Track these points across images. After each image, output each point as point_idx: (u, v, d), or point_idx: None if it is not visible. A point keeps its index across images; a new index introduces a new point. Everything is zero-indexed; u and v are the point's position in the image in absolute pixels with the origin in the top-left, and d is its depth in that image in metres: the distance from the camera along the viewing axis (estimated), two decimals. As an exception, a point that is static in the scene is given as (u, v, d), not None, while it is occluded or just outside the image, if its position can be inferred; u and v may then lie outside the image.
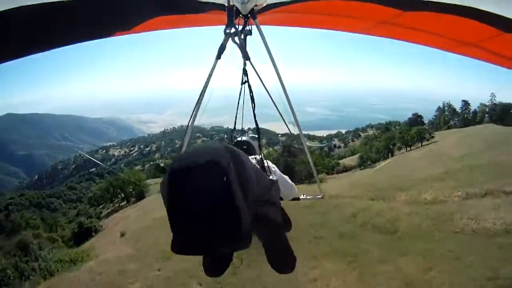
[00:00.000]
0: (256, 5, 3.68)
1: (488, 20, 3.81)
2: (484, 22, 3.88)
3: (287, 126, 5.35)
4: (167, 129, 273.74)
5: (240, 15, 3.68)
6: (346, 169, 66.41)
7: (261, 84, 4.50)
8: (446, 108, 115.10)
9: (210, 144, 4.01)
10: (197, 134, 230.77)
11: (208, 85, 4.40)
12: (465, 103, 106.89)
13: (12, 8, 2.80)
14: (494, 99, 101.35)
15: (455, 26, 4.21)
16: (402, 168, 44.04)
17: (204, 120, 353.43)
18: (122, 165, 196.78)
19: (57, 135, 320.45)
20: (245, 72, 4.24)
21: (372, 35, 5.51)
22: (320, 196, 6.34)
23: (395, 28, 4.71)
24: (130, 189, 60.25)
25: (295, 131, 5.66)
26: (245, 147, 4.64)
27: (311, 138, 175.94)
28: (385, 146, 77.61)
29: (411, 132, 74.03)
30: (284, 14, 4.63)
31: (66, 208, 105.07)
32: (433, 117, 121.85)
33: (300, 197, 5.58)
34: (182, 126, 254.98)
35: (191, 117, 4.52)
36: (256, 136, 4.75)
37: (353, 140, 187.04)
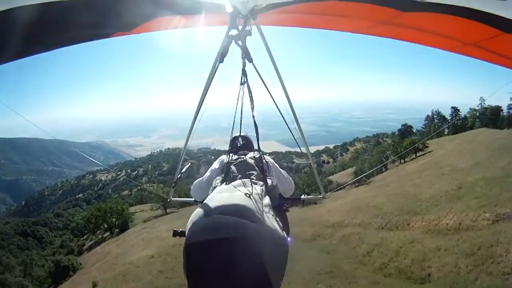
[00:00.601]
0: (256, 5, 3.57)
1: (488, 21, 3.62)
2: (484, 22, 3.69)
3: (290, 130, 4.97)
4: (154, 152, 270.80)
5: (240, 16, 3.53)
6: (340, 187, 61.18)
7: (259, 84, 4.31)
8: (435, 116, 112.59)
9: (223, 201, 2.44)
10: (184, 157, 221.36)
11: (208, 89, 4.55)
12: (455, 110, 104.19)
13: (12, 9, 2.76)
14: (484, 103, 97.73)
15: (455, 26, 4.03)
16: (404, 184, 39.63)
17: (190, 142, 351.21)
18: (110, 190, 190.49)
19: (44, 160, 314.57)
20: (244, 73, 3.92)
21: (372, 35, 5.38)
22: (321, 196, 6.32)
23: (395, 28, 4.59)
24: (113, 219, 55.73)
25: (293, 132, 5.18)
26: (244, 142, 4.55)
27: (299, 155, 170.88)
28: (377, 159, 72.39)
29: (404, 143, 70.84)
30: (284, 15, 4.58)
31: (52, 236, 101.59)
32: (423, 126, 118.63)
33: (301, 197, 5.49)
34: (169, 148, 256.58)
35: (192, 121, 5.08)
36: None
37: (341, 155, 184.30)
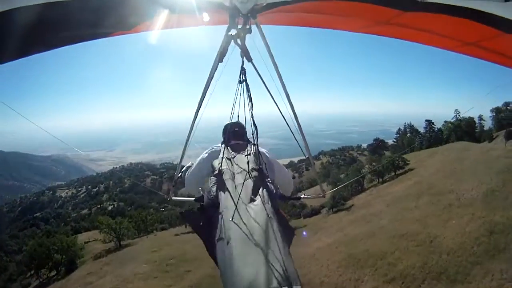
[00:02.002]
0: (256, 4, 3.62)
1: (488, 22, 3.71)
2: (485, 23, 3.79)
3: (290, 129, 4.92)
4: (116, 168, 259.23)
5: (240, 15, 3.63)
6: (315, 211, 53.73)
7: (258, 84, 4.57)
8: (407, 130, 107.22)
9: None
10: (146, 172, 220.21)
11: (208, 90, 4.51)
12: (429, 122, 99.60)
13: (12, 9, 2.87)
14: (459, 115, 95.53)
15: (456, 26, 4.17)
16: (402, 217, 32.15)
17: (153, 156, 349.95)
18: (70, 207, 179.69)
19: (5, 173, 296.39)
20: (243, 71, 4.30)
21: (373, 34, 5.59)
22: (321, 195, 6.26)
23: (396, 27, 4.70)
24: (59, 257, 46.67)
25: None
26: (237, 129, 4.82)
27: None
28: (353, 177, 62.50)
29: (382, 161, 64.00)
30: (284, 14, 4.62)
31: (6, 261, 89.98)
32: (394, 140, 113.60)
33: (301, 196, 5.81)
34: (131, 163, 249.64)
35: (191, 126, 5.06)
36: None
37: (307, 169, 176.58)
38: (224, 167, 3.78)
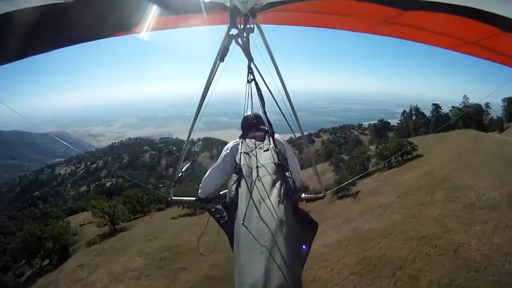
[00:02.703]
0: (256, 4, 3.71)
1: (488, 20, 3.69)
2: (485, 22, 3.78)
3: (290, 128, 4.94)
4: (115, 143, 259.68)
5: (240, 15, 3.71)
6: (317, 196, 49.73)
7: (262, 84, 4.48)
8: (413, 112, 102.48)
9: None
10: (145, 147, 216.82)
11: (209, 90, 4.59)
12: (436, 106, 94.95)
13: (14, 11, 2.86)
14: (467, 102, 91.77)
15: (456, 25, 4.14)
16: (417, 214, 29.25)
17: (152, 131, 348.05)
18: (69, 185, 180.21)
19: (3, 152, 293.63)
20: (250, 70, 4.33)
21: (373, 34, 5.64)
22: (321, 195, 6.73)
23: (396, 27, 4.73)
24: (51, 245, 44.75)
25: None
26: (255, 121, 4.95)
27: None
28: (360, 162, 60.38)
29: (390, 144, 59.33)
30: (283, 13, 4.72)
31: (5, 243, 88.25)
32: (398, 122, 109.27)
33: (301, 196, 5.91)
34: (130, 138, 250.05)
35: (191, 126, 5.12)
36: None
37: (307, 147, 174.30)
38: (242, 163, 3.77)
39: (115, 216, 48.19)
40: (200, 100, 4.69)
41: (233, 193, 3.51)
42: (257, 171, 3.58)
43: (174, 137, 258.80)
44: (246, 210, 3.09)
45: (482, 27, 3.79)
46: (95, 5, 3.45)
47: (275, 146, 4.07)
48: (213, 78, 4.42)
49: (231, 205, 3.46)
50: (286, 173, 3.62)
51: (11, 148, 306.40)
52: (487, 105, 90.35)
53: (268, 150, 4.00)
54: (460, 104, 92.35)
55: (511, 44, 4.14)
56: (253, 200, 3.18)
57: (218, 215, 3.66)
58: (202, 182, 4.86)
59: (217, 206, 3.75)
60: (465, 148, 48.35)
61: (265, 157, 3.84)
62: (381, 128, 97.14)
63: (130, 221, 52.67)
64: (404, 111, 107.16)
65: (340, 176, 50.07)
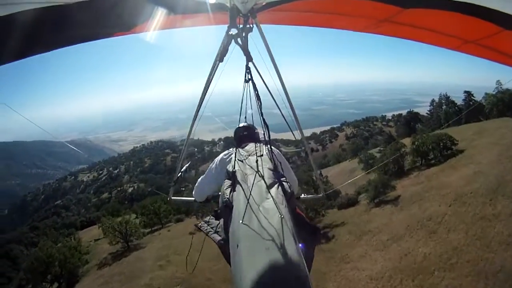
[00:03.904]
0: (256, 4, 3.72)
1: (489, 17, 3.70)
2: (485, 19, 3.78)
3: (290, 128, 5.14)
4: (137, 147, 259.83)
5: (240, 15, 3.70)
6: (351, 201, 43.97)
7: (260, 83, 4.45)
8: (443, 101, 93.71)
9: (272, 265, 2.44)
10: (166, 150, 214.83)
11: (208, 89, 4.66)
12: (468, 94, 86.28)
13: (15, 13, 2.89)
14: (500, 87, 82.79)
15: (457, 23, 4.19)
16: (473, 225, 24.29)
17: (173, 133, 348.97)
18: (92, 191, 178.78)
19: (28, 162, 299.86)
20: (248, 70, 4.22)
21: (373, 34, 5.52)
22: (320, 196, 6.35)
23: (396, 26, 4.71)
24: (58, 270, 41.50)
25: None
26: (246, 133, 4.90)
27: (286, 143, 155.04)
28: (395, 160, 50.68)
29: (427, 139, 50.33)
30: (283, 13, 4.71)
31: (26, 255, 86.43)
32: (427, 112, 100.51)
33: (301, 196, 5.75)
34: (151, 142, 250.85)
35: (191, 126, 5.30)
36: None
37: (330, 141, 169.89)
38: (236, 168, 3.70)
39: (127, 233, 44.81)
40: (200, 100, 4.71)
41: (227, 196, 3.31)
42: (254, 175, 3.48)
43: (195, 138, 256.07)
44: (246, 209, 2.92)
45: (482, 24, 3.72)
46: (95, 5, 3.32)
47: (271, 151, 3.98)
48: (212, 78, 4.39)
49: (225, 209, 3.28)
50: (282, 178, 3.49)
51: (35, 157, 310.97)
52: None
53: (263, 155, 3.91)
54: (494, 90, 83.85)
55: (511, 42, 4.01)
56: (253, 199, 3.04)
57: (207, 228, 3.66)
58: (194, 190, 4.82)
59: (206, 219, 3.81)
60: (503, 139, 43.16)
61: (260, 163, 3.67)
62: (410, 120, 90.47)
63: (146, 235, 49.42)
64: (433, 100, 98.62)
65: (375, 177, 43.76)
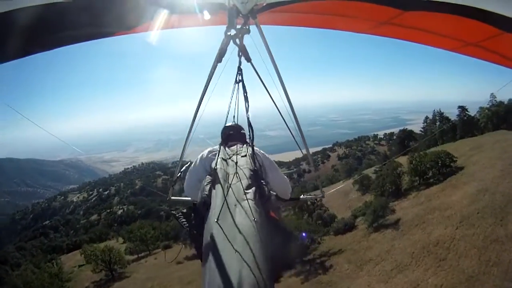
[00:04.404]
0: (256, 5, 3.67)
1: (489, 20, 3.67)
2: (485, 21, 3.75)
3: (291, 132, 5.14)
4: (128, 168, 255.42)
5: (240, 15, 3.66)
6: (348, 226, 41.01)
7: (255, 84, 4.75)
8: (437, 118, 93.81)
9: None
10: (157, 172, 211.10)
11: (207, 91, 4.54)
12: (462, 109, 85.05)
13: (15, 9, 2.87)
14: (495, 100, 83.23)
15: (457, 26, 4.11)
16: (484, 249, 22.29)
17: (165, 154, 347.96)
18: (81, 211, 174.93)
19: (18, 180, 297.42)
20: (240, 71, 4.33)
21: (373, 35, 5.48)
22: (320, 196, 6.46)
23: (396, 28, 4.66)
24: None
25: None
26: (232, 132, 4.71)
27: (278, 164, 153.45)
28: (391, 181, 49.01)
29: (425, 157, 48.18)
30: (284, 14, 4.62)
31: (12, 276, 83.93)
32: (421, 130, 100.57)
33: (300, 196, 6.00)
34: (143, 163, 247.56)
35: (190, 126, 5.11)
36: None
37: (323, 162, 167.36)
38: (218, 166, 3.62)
39: (111, 261, 43.13)
40: (199, 102, 4.69)
41: (206, 193, 3.27)
42: (234, 174, 3.41)
43: (187, 159, 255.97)
44: (221, 209, 2.90)
45: (483, 27, 3.69)
46: (94, 5, 3.38)
47: (253, 153, 3.85)
48: (211, 79, 4.32)
49: (203, 206, 3.21)
50: (262, 181, 3.48)
51: (26, 175, 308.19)
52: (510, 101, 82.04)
53: (245, 156, 3.81)
54: (487, 104, 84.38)
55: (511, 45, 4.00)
56: (230, 199, 3.00)
57: (183, 219, 3.47)
58: (185, 192, 4.59)
59: (184, 210, 3.60)
60: (504, 153, 41.52)
61: (242, 163, 3.64)
62: (404, 138, 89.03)
63: (132, 263, 48.15)
64: (427, 117, 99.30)
65: (372, 198, 41.49)
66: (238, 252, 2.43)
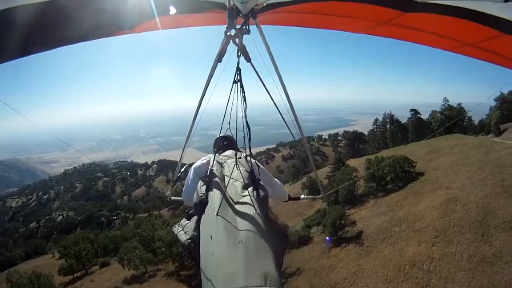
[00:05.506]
0: (256, 5, 3.67)
1: (489, 23, 3.68)
2: (485, 24, 3.75)
3: (291, 132, 5.00)
4: (68, 170, 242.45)
5: (240, 15, 3.62)
6: (303, 239, 37.28)
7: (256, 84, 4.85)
8: (387, 120, 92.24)
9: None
10: (98, 174, 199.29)
11: (207, 91, 4.51)
12: (415, 112, 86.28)
13: (12, 7, 2.85)
14: (448, 104, 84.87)
15: (457, 27, 4.09)
16: (471, 269, 19.86)
17: (108, 154, 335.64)
18: (21, 218, 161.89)
19: None
20: (238, 71, 4.02)
21: (373, 35, 5.44)
22: (320, 196, 6.26)
23: (396, 28, 4.62)
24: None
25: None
26: (226, 142, 4.54)
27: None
28: (347, 188, 44.42)
29: (381, 162, 44.88)
30: (284, 14, 4.58)
31: None
32: (369, 131, 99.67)
33: (300, 197, 5.66)
34: (84, 164, 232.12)
35: (191, 126, 4.99)
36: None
37: (267, 163, 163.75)
38: (215, 168, 3.57)
39: (39, 283, 38.70)
40: (199, 102, 4.62)
41: (202, 193, 3.21)
42: (230, 175, 3.37)
43: (129, 160, 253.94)
44: (221, 202, 2.88)
45: (481, 29, 3.72)
46: (94, 4, 3.39)
47: (250, 153, 3.83)
48: (211, 79, 4.29)
49: (200, 205, 3.13)
50: (259, 181, 3.40)
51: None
52: (459, 105, 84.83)
53: (241, 158, 3.76)
54: (440, 107, 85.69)
55: (510, 46, 3.98)
56: (229, 197, 2.99)
57: (178, 228, 3.35)
58: (182, 198, 4.38)
59: (181, 222, 3.47)
60: (478, 161, 38.01)
61: (239, 165, 3.59)
62: (354, 140, 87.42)
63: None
64: (377, 119, 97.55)
65: (325, 206, 38.12)
66: (242, 242, 2.40)
